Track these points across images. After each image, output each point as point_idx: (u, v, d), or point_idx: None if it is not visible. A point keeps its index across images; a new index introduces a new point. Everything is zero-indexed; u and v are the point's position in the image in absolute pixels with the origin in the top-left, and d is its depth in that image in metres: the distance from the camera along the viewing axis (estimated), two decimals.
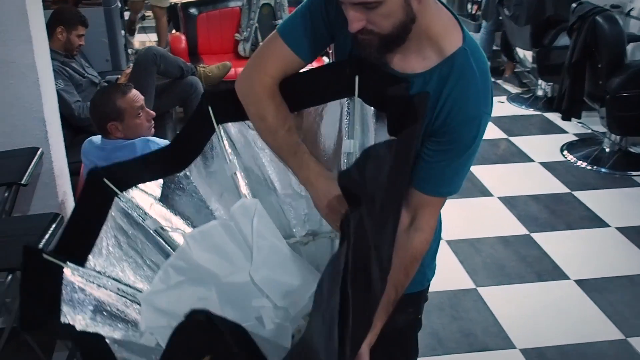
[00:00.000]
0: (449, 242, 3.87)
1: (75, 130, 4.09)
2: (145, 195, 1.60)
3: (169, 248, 1.59)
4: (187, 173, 1.63)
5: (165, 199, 1.62)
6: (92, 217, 1.51)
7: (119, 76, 4.59)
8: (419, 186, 1.57)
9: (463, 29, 1.51)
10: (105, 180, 1.53)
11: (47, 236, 2.51)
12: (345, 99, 1.60)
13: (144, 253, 1.57)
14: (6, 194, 2.91)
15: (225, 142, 1.67)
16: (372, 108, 1.57)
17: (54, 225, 2.58)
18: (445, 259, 3.71)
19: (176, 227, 1.61)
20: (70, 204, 3.45)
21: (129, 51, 6.72)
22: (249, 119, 1.65)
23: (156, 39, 7.61)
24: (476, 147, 1.54)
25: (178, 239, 1.60)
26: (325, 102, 1.62)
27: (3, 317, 3.01)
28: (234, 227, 1.60)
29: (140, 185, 1.59)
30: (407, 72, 1.52)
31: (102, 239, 1.49)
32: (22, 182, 2.84)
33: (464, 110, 1.49)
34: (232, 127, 1.67)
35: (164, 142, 2.97)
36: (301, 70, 1.64)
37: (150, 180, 1.61)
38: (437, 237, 1.77)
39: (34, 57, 3.02)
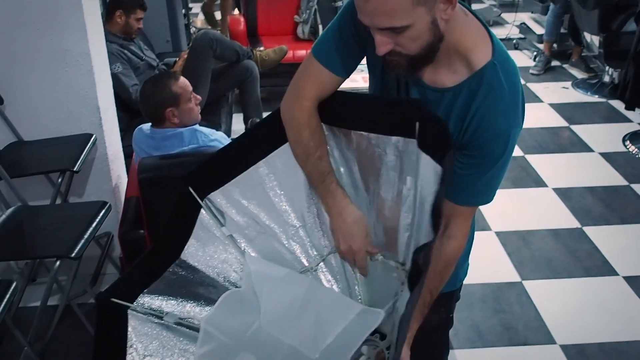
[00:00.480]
0: (498, 234, 3.90)
1: (132, 114, 4.25)
2: (155, 295, 1.73)
3: (195, 333, 1.71)
4: (183, 259, 1.74)
5: (172, 290, 1.73)
6: (113, 340, 1.65)
7: (177, 59, 4.74)
8: (451, 197, 1.62)
9: (493, 40, 1.53)
10: (114, 300, 1.66)
11: (94, 224, 2.66)
12: (401, 139, 1.61)
13: (177, 346, 1.69)
14: (60, 180, 3.10)
15: (214, 212, 1.77)
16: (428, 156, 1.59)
17: (101, 213, 2.73)
18: (493, 251, 3.77)
19: (192, 314, 1.74)
20: (123, 187, 3.63)
21: (192, 30, 6.87)
22: (228, 181, 1.76)
23: (219, 17, 7.74)
24: (507, 159, 1.58)
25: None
26: (381, 133, 1.65)
27: (58, 295, 3.20)
28: (240, 291, 1.75)
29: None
30: (438, 86, 1.56)
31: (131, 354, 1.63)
32: (75, 169, 3.03)
33: (492, 126, 1.52)
34: (215, 195, 1.77)
35: (210, 131, 3.10)
36: (363, 92, 1.73)
37: (152, 282, 1.72)
38: (469, 239, 1.82)
39: (88, 45, 3.18)
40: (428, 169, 1.54)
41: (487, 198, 1.66)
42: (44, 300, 2.76)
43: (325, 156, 1.70)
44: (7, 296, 2.20)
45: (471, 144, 1.55)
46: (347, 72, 1.68)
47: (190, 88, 3.13)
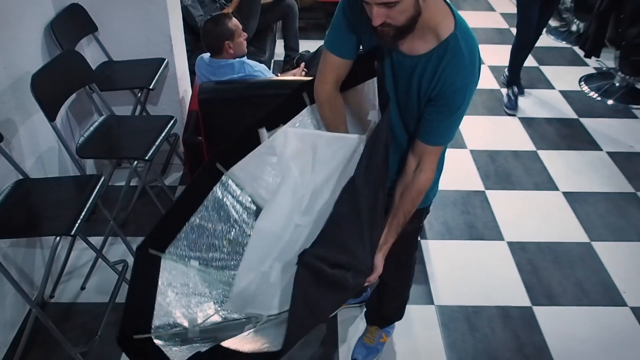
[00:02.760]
0: (472, 152, 3.91)
1: (197, 38, 4.23)
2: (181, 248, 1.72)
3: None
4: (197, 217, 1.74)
5: (193, 243, 1.74)
6: (147, 282, 1.62)
7: None
8: (422, 139, 1.68)
9: (455, 17, 1.57)
10: (150, 250, 1.65)
11: (163, 133, 2.72)
12: (371, 80, 1.70)
13: (194, 285, 1.70)
14: (139, 94, 3.15)
15: (235, 181, 1.80)
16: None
17: (169, 125, 2.78)
18: (466, 165, 3.79)
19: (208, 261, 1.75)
20: (188, 99, 3.68)
21: None
22: (245, 156, 1.79)
23: None
24: (464, 108, 1.62)
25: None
26: (360, 83, 1.74)
27: (136, 179, 3.32)
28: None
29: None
30: (414, 54, 1.60)
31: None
32: (151, 87, 3.06)
33: (455, 82, 1.56)
34: (236, 167, 1.79)
35: (255, 64, 3.09)
36: None
37: (178, 232, 1.70)
38: (439, 170, 1.86)
39: None
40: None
41: (448, 138, 1.70)
42: (127, 183, 2.86)
43: (341, 125, 1.78)
44: (98, 187, 2.30)
45: (438, 96, 1.60)
46: (352, 55, 1.73)
47: (241, 26, 3.12)
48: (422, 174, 1.72)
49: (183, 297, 1.64)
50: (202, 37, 3.10)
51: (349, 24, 1.66)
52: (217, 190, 1.77)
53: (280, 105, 1.81)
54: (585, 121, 4.31)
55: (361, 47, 1.75)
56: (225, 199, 1.78)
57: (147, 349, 1.46)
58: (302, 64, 3.68)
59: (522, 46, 4.41)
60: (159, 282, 1.61)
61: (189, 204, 1.73)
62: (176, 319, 1.59)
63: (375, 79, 1.67)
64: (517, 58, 4.49)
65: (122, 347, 1.48)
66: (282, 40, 4.96)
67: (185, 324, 1.60)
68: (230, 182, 1.79)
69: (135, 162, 2.63)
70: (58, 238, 2.16)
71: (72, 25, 3.06)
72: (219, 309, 1.67)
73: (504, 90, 4.53)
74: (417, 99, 1.66)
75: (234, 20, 3.10)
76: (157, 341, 1.49)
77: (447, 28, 1.54)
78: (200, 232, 1.74)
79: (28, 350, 2.44)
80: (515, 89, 4.53)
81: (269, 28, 4.74)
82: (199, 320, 1.63)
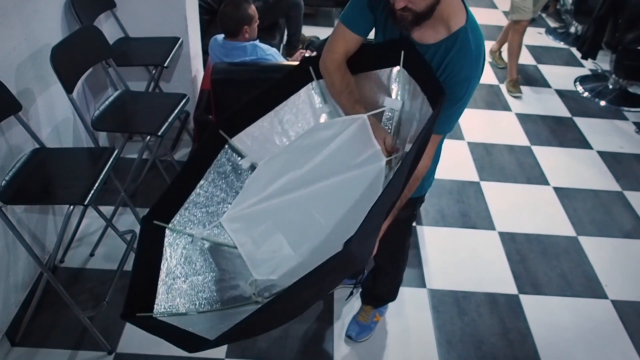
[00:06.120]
0: (469, 144, 3.90)
1: (211, 19, 4.18)
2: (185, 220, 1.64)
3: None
4: (203, 183, 1.69)
5: (196, 215, 1.66)
6: (152, 252, 1.54)
7: None
8: None
9: (467, 12, 1.55)
10: (155, 222, 1.58)
11: (176, 111, 2.67)
12: (391, 68, 1.67)
13: (198, 257, 1.60)
14: (153, 71, 3.11)
15: (236, 148, 1.74)
16: (412, 78, 1.62)
17: (182, 103, 2.73)
18: (463, 156, 3.78)
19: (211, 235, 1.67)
20: (200, 78, 3.64)
21: None
22: (249, 125, 1.75)
23: None
24: (466, 100, 1.61)
25: None
26: (379, 68, 1.70)
27: (146, 152, 3.29)
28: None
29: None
30: (424, 42, 1.59)
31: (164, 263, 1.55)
32: (165, 65, 3.02)
33: (460, 73, 1.55)
34: (240, 136, 1.73)
35: (267, 47, 3.06)
36: (364, 43, 1.72)
37: (183, 204, 1.63)
38: (436, 160, 1.85)
39: None
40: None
41: (448, 128, 1.68)
42: (138, 157, 2.84)
43: (353, 91, 1.71)
44: (111, 160, 2.28)
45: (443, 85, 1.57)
46: (365, 33, 1.70)
47: (257, 13, 3.08)
48: (420, 160, 1.70)
49: (186, 279, 1.56)
50: (219, 19, 3.04)
51: (369, 2, 1.64)
52: (221, 158, 1.70)
53: (285, 77, 1.76)
54: (578, 120, 4.29)
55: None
56: (228, 167, 1.72)
57: (150, 323, 1.42)
58: (311, 49, 3.64)
59: None
60: (163, 260, 1.53)
61: (193, 173, 1.66)
62: (177, 304, 1.51)
63: (397, 67, 1.64)
64: None
65: (126, 321, 1.46)
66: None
67: (186, 309, 1.52)
68: (231, 150, 1.72)
69: (148, 136, 2.60)
70: (71, 207, 2.14)
71: (91, 0, 3.01)
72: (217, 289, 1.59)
73: None
74: None
75: (253, 7, 3.06)
76: (159, 317, 1.45)
77: (458, 21, 1.54)
78: (205, 202, 1.67)
79: (38, 311, 2.44)
80: None
81: (276, 24, 4.64)
82: (198, 304, 1.55)
